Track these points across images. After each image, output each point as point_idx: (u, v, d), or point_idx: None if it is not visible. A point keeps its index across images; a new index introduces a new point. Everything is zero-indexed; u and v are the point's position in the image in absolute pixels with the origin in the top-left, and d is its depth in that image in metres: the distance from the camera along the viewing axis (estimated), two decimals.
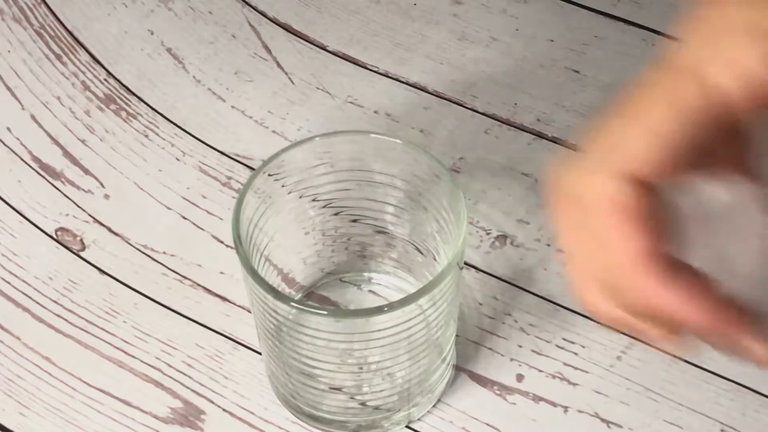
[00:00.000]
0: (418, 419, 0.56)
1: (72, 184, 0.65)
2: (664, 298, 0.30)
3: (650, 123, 0.30)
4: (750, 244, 0.31)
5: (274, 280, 0.56)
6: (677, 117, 0.29)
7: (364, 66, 0.69)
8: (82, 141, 0.66)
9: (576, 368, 0.57)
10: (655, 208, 0.30)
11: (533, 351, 0.58)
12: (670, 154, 0.29)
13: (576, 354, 0.58)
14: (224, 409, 0.56)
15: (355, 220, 0.56)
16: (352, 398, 0.53)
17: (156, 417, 0.56)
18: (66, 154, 0.66)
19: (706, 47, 0.29)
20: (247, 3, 0.73)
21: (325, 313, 0.48)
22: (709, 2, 0.30)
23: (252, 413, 0.56)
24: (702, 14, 0.30)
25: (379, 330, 0.49)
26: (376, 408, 0.54)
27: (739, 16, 0.29)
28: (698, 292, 0.29)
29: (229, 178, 0.64)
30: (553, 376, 0.57)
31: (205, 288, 0.60)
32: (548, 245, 0.61)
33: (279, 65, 0.69)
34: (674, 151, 0.29)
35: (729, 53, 0.29)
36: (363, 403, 0.54)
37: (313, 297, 0.58)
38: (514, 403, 0.56)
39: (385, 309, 0.47)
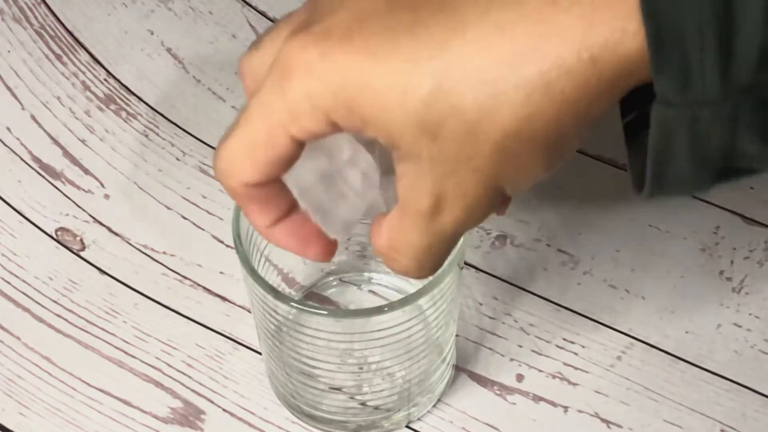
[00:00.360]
0: (418, 419, 0.56)
1: (72, 184, 0.65)
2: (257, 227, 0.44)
3: (250, 135, 0.39)
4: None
5: (274, 280, 0.56)
6: (269, 138, 0.39)
7: None
8: (82, 141, 0.66)
9: (576, 368, 0.57)
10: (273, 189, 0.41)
11: (533, 351, 0.58)
12: (266, 163, 0.40)
13: (576, 354, 0.58)
14: (224, 409, 0.56)
15: None
16: (352, 398, 0.53)
17: (156, 417, 0.56)
18: (66, 154, 0.66)
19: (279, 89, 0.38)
20: (247, 3, 0.73)
21: (325, 313, 0.48)
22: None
23: (252, 413, 0.56)
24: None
25: (379, 330, 0.49)
26: (376, 408, 0.54)
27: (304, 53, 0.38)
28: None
29: None
30: (553, 376, 0.57)
31: (205, 288, 0.60)
32: (548, 245, 0.61)
33: None
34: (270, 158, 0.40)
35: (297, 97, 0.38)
36: (363, 403, 0.54)
37: (313, 297, 0.58)
38: (514, 403, 0.56)
39: (385, 309, 0.47)
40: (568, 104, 0.36)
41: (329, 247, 0.44)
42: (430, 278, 0.48)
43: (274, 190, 0.42)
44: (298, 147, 0.39)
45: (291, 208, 0.43)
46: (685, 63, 0.34)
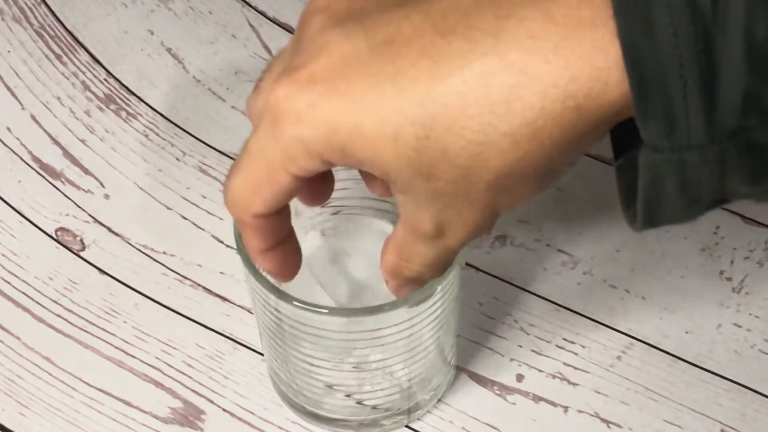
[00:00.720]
0: (419, 419, 0.56)
1: (72, 184, 0.65)
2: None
3: (253, 174, 0.41)
4: None
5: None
6: (269, 175, 0.41)
7: None
8: (82, 141, 0.66)
9: (576, 368, 0.57)
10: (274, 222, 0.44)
11: (533, 351, 0.58)
12: (270, 197, 0.42)
13: (576, 354, 0.58)
14: (224, 409, 0.56)
15: (338, 213, 0.56)
16: (353, 397, 0.53)
17: (156, 417, 0.56)
18: (66, 154, 0.66)
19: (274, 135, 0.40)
20: (247, 3, 0.73)
21: (327, 311, 0.48)
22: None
23: (252, 413, 0.56)
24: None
25: (381, 329, 0.49)
26: (378, 407, 0.54)
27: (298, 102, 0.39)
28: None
29: None
30: (553, 376, 0.57)
31: (205, 288, 0.60)
32: (548, 245, 0.61)
33: None
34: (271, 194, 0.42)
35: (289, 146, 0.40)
36: (364, 403, 0.54)
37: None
38: (514, 403, 0.56)
39: (387, 308, 0.47)
40: (555, 146, 0.37)
41: (291, 277, 0.48)
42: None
43: (277, 222, 0.44)
44: (299, 182, 0.41)
45: (285, 238, 0.46)
46: (669, 110, 0.35)
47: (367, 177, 0.48)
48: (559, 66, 0.35)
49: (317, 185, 0.49)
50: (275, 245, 0.45)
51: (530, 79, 0.35)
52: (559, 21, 0.35)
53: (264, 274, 0.48)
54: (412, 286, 0.46)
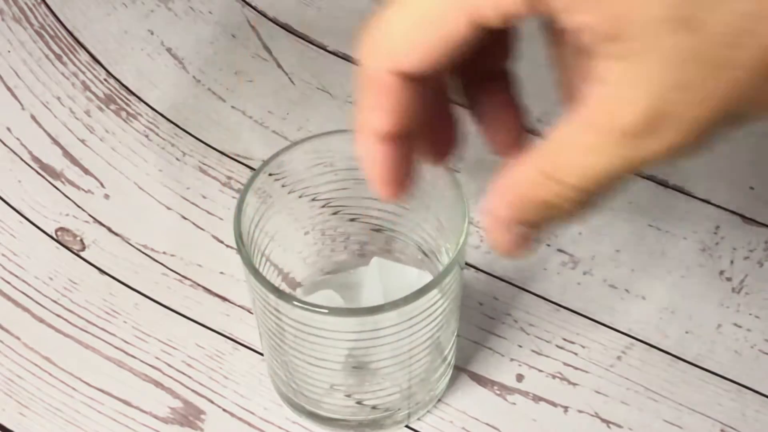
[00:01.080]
0: (418, 419, 0.56)
1: (72, 184, 0.65)
2: (365, 161, 0.36)
3: (415, 11, 0.32)
4: None
5: (275, 279, 0.56)
6: (439, 16, 0.31)
7: None
8: (82, 141, 0.66)
9: (576, 368, 0.57)
10: (408, 96, 0.33)
11: (533, 351, 0.58)
12: (431, 47, 0.32)
13: (576, 354, 0.58)
14: (224, 409, 0.56)
15: (353, 219, 0.56)
16: (353, 397, 0.53)
17: (156, 417, 0.56)
18: (66, 154, 0.66)
19: None
20: (247, 3, 0.73)
21: (327, 311, 0.48)
22: None
23: (252, 413, 0.56)
24: None
25: (381, 329, 0.49)
26: (377, 407, 0.54)
27: None
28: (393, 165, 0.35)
29: (229, 178, 0.65)
30: (553, 376, 0.57)
31: (205, 288, 0.60)
32: (548, 245, 0.61)
33: (279, 65, 0.69)
34: (436, 45, 0.32)
35: None
36: (364, 403, 0.54)
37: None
38: (514, 403, 0.56)
39: (387, 308, 0.47)
40: None
41: (399, 196, 0.37)
42: (431, 278, 0.48)
43: (415, 97, 0.34)
44: (472, 33, 0.31)
45: (407, 137, 0.35)
46: None
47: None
48: None
49: (443, 129, 0.39)
50: (398, 133, 0.34)
51: None
52: None
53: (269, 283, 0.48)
54: (527, 227, 0.34)
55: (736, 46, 0.29)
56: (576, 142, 0.31)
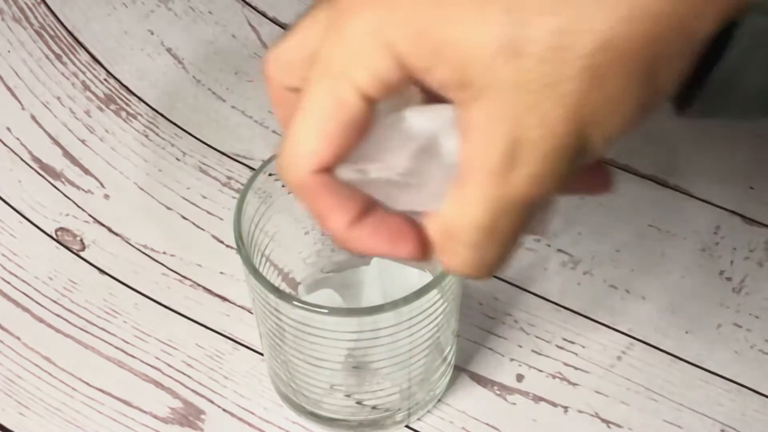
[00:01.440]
0: (418, 419, 0.56)
1: (72, 184, 0.65)
2: (307, 201, 0.36)
3: (313, 105, 0.34)
4: (437, 166, 0.35)
5: (275, 280, 0.56)
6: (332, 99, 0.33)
7: None
8: (82, 141, 0.66)
9: (576, 368, 0.57)
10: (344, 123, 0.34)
11: (533, 351, 0.58)
12: (337, 136, 0.34)
13: (576, 354, 0.58)
14: (224, 409, 0.56)
15: None
16: (353, 397, 0.53)
17: (156, 417, 0.56)
18: (66, 154, 0.66)
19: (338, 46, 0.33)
20: (247, 3, 0.73)
21: (327, 311, 0.48)
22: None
23: (252, 413, 0.56)
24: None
25: (381, 329, 0.49)
26: (377, 407, 0.54)
27: (370, 20, 0.32)
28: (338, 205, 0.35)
29: (229, 178, 0.65)
30: (553, 376, 0.57)
31: (205, 288, 0.60)
32: (548, 245, 0.61)
33: None
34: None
35: (359, 54, 0.33)
36: (364, 403, 0.54)
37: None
38: (514, 403, 0.56)
39: (387, 308, 0.47)
40: (666, 15, 0.32)
41: (424, 241, 0.36)
42: (431, 278, 0.48)
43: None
44: (369, 107, 0.33)
45: (371, 200, 0.36)
46: None
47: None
48: None
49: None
50: (362, 211, 0.36)
51: None
52: None
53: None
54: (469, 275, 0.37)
55: (558, 62, 0.31)
56: (456, 200, 0.34)
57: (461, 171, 0.33)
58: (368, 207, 0.36)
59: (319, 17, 0.35)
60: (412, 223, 0.36)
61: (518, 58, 0.31)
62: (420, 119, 0.35)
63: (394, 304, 0.47)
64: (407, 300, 0.47)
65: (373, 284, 0.55)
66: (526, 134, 0.32)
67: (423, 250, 0.36)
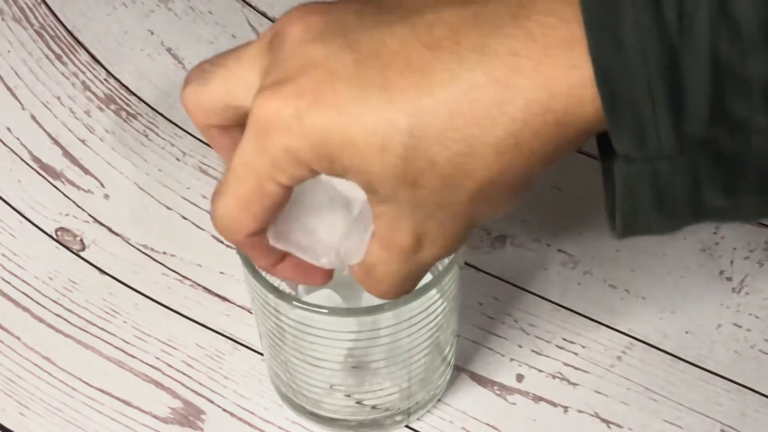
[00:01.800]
0: (418, 419, 0.56)
1: (72, 184, 0.65)
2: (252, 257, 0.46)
3: (242, 191, 0.41)
4: (324, 212, 0.44)
5: (274, 279, 0.56)
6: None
7: None
8: (82, 141, 0.66)
9: (576, 368, 0.57)
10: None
11: (533, 351, 0.58)
12: (261, 212, 0.42)
13: (576, 354, 0.58)
14: (224, 409, 0.56)
15: None
16: (353, 397, 0.53)
17: (156, 417, 0.56)
18: (66, 154, 0.66)
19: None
20: (247, 3, 0.73)
21: (326, 311, 0.48)
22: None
23: (252, 413, 0.56)
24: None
25: (380, 328, 0.49)
26: (377, 407, 0.54)
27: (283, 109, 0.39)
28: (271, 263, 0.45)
29: None
30: (553, 376, 0.57)
31: (205, 288, 0.60)
32: (548, 245, 0.61)
33: None
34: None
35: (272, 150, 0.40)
36: (364, 402, 0.54)
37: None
38: (514, 403, 0.56)
39: (386, 307, 0.47)
40: (536, 157, 0.38)
41: (327, 273, 0.46)
42: (430, 278, 0.48)
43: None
44: (288, 191, 0.41)
45: None
46: (640, 122, 0.36)
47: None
48: (539, 82, 0.37)
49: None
50: (283, 255, 0.45)
51: (514, 94, 0.37)
52: (539, 40, 0.37)
53: (282, 282, 0.48)
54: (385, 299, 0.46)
55: (449, 193, 0.39)
56: (378, 258, 0.42)
57: (381, 237, 0.41)
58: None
59: (234, 70, 0.42)
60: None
61: (415, 188, 0.38)
62: (334, 181, 0.43)
63: (394, 304, 0.47)
64: (406, 300, 0.47)
65: None
66: (428, 231, 0.40)
67: (326, 281, 0.46)
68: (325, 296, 0.55)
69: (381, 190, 0.39)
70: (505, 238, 0.62)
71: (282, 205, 0.42)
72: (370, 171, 0.38)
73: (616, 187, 0.39)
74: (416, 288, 0.47)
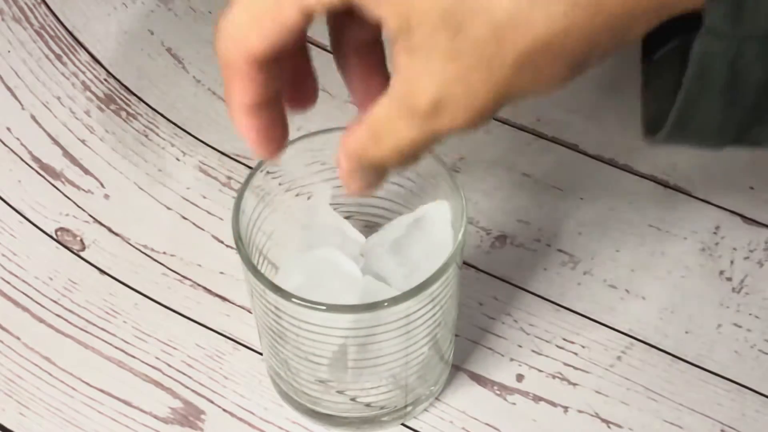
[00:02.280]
0: (417, 418, 0.56)
1: (72, 184, 0.65)
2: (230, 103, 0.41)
3: (255, 6, 0.38)
4: None
5: (273, 277, 0.56)
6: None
7: None
8: (82, 141, 0.66)
9: (576, 368, 0.57)
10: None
11: (533, 351, 0.58)
12: (271, 35, 0.38)
13: (576, 354, 0.58)
14: (224, 409, 0.56)
15: (349, 217, 0.56)
16: (350, 394, 0.53)
17: (156, 417, 0.56)
18: (66, 154, 0.66)
19: None
20: None
21: (325, 308, 0.48)
22: None
23: (252, 413, 0.56)
24: None
25: (378, 326, 0.49)
26: (375, 404, 0.54)
27: None
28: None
29: (229, 178, 0.65)
30: (553, 376, 0.57)
31: (205, 288, 0.60)
32: (548, 245, 0.61)
33: None
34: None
35: None
36: (362, 400, 0.54)
37: None
38: (514, 403, 0.56)
39: (385, 305, 0.47)
40: (609, 21, 0.34)
41: (276, 154, 0.43)
42: (428, 276, 0.48)
43: (270, 74, 0.40)
44: (305, 20, 0.37)
45: (271, 102, 0.41)
46: None
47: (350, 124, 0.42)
48: None
49: (301, 80, 0.44)
50: (262, 103, 0.40)
51: None
52: None
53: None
54: (369, 175, 0.41)
55: (494, 50, 0.34)
56: (386, 114, 0.38)
57: (396, 93, 0.37)
58: (267, 104, 0.41)
59: None
60: (280, 142, 0.42)
61: (458, 35, 0.34)
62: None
63: (393, 301, 0.47)
64: (405, 297, 0.47)
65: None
66: (453, 95, 0.36)
67: (271, 156, 0.42)
68: (327, 255, 0.53)
69: (417, 30, 0.34)
70: (505, 238, 0.62)
71: (295, 34, 0.38)
72: (414, 1, 0.34)
73: (688, 68, 0.35)
74: (415, 288, 0.47)
